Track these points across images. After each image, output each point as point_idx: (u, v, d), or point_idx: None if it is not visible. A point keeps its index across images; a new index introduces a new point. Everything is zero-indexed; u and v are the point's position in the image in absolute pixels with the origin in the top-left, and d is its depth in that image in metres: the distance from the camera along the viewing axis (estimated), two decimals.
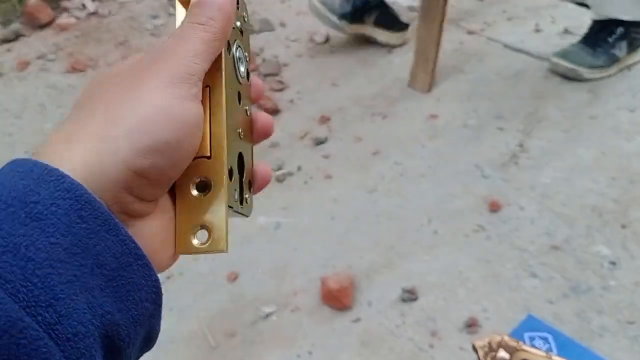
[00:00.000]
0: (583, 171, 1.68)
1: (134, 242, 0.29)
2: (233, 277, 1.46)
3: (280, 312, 1.37)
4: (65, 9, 2.64)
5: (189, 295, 1.40)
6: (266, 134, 0.45)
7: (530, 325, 1.24)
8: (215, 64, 0.37)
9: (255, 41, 2.46)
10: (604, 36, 2.01)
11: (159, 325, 0.33)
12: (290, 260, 1.48)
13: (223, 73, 0.38)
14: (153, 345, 0.33)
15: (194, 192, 0.35)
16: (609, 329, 1.27)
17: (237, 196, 0.39)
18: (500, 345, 1.17)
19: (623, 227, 1.50)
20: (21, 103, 2.15)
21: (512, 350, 1.15)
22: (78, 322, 0.26)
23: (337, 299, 1.36)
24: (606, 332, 1.27)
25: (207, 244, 0.34)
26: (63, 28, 2.53)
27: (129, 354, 0.29)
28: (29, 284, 0.24)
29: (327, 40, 2.40)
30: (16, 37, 2.50)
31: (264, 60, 2.29)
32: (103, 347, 0.27)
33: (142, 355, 0.33)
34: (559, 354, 1.15)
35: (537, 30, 2.35)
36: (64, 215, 0.27)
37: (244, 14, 0.45)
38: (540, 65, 2.14)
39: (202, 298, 1.41)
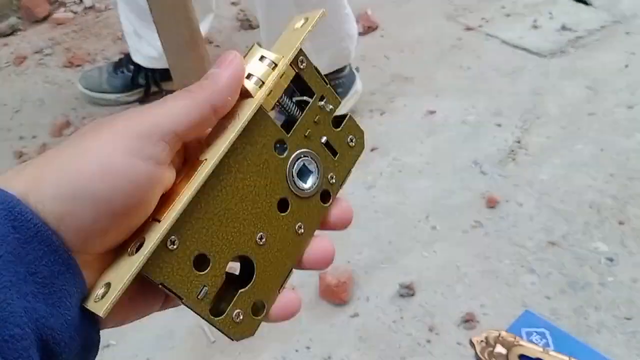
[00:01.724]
0: (581, 168, 1.68)
1: (65, 251, 0.30)
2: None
3: None
4: (62, 4, 2.63)
5: None
6: (320, 265, 0.43)
7: (527, 321, 1.24)
8: (220, 140, 0.35)
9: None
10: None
11: (97, 334, 0.33)
12: None
13: (221, 150, 0.35)
14: (95, 356, 0.34)
15: (129, 251, 0.34)
16: (606, 325, 1.28)
17: (202, 294, 0.36)
18: (498, 340, 1.17)
19: (621, 223, 1.50)
20: (20, 98, 2.14)
21: (509, 346, 1.16)
22: (15, 325, 0.26)
23: (335, 294, 1.36)
24: (603, 328, 1.27)
25: (91, 302, 0.32)
26: (60, 22, 2.52)
27: (65, 359, 0.30)
28: None
29: None
30: (13, 31, 2.49)
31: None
32: (39, 350, 0.28)
33: None
34: (556, 350, 1.15)
35: (536, 27, 2.35)
36: None
37: (351, 136, 0.44)
38: (539, 62, 2.14)
39: None
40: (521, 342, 1.13)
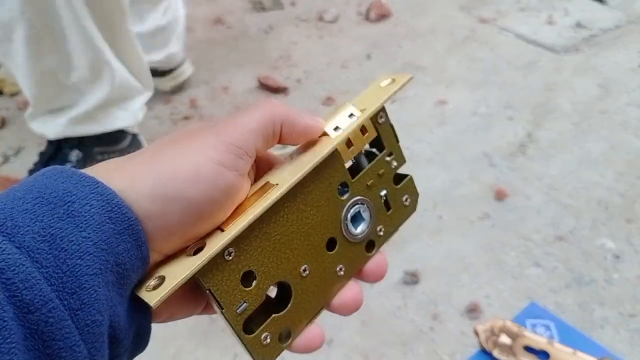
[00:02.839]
0: (591, 164, 1.67)
1: (147, 249, 0.32)
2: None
3: None
4: None
5: None
6: (347, 310, 0.44)
7: (532, 312, 1.24)
8: (292, 168, 0.38)
9: (264, 19, 2.43)
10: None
11: (148, 323, 0.36)
12: None
13: (294, 179, 0.37)
14: (145, 345, 0.37)
15: (188, 251, 0.35)
16: (610, 321, 1.27)
17: (241, 309, 0.38)
18: (502, 330, 1.17)
19: (628, 221, 1.50)
20: None
21: (514, 336, 1.15)
22: (96, 311, 0.29)
23: None
24: (607, 324, 1.27)
25: (144, 290, 0.34)
26: None
27: (124, 346, 0.33)
28: (60, 271, 0.28)
29: (336, 19, 2.38)
30: None
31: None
32: (109, 336, 0.31)
33: (135, 355, 0.36)
34: (561, 342, 1.15)
35: (550, 23, 2.34)
36: (96, 214, 0.30)
37: (407, 195, 0.47)
38: (552, 57, 2.12)
39: None
40: (526, 333, 1.12)
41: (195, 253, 0.35)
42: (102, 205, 0.30)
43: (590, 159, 1.69)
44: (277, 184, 0.36)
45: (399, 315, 1.31)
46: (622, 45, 2.19)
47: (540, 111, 1.88)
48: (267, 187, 0.37)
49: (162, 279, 0.34)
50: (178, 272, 0.33)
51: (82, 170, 0.32)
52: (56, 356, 0.27)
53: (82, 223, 0.29)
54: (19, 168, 1.75)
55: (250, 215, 0.35)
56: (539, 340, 1.12)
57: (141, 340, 0.36)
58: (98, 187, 0.31)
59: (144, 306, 0.34)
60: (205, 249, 0.34)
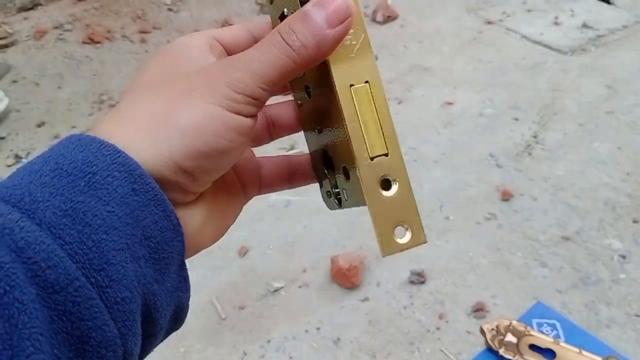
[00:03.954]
0: (598, 165, 1.67)
1: (176, 218, 0.30)
2: (243, 252, 1.46)
3: (289, 288, 1.38)
4: None
5: (200, 268, 1.41)
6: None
7: (538, 312, 1.24)
8: (364, 56, 0.33)
9: None
10: None
11: (187, 300, 0.34)
12: (299, 237, 1.49)
13: (377, 67, 0.34)
14: (182, 323, 0.34)
15: (384, 193, 0.33)
16: (616, 321, 1.28)
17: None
18: (508, 329, 1.17)
19: (635, 221, 1.50)
20: (38, 72, 2.15)
21: (520, 335, 1.16)
22: (126, 288, 0.27)
23: (346, 277, 1.37)
24: (613, 324, 1.27)
25: (410, 240, 0.33)
26: None
27: (160, 325, 0.31)
28: (85, 247, 0.26)
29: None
30: (33, 5, 2.50)
31: None
32: (142, 314, 0.29)
33: (171, 332, 0.34)
34: (567, 341, 1.15)
35: (557, 23, 2.34)
36: (119, 186, 0.28)
37: None
38: (559, 58, 2.12)
39: (213, 271, 1.42)
40: (532, 332, 1.13)
41: (385, 186, 0.33)
42: (125, 177, 0.28)
43: (597, 159, 1.69)
44: (367, 82, 0.33)
45: (405, 315, 1.32)
46: (629, 45, 2.20)
47: (546, 112, 1.88)
48: (364, 89, 0.33)
49: (402, 224, 0.32)
50: (408, 207, 0.33)
51: (99, 135, 0.30)
52: (85, 337, 0.25)
53: (105, 196, 0.27)
54: None
55: (392, 127, 0.33)
56: (544, 339, 1.12)
57: (178, 319, 0.34)
58: (119, 156, 0.29)
59: (184, 283, 0.32)
60: (395, 177, 0.33)
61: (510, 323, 1.19)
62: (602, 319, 1.28)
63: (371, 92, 0.33)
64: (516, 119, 1.86)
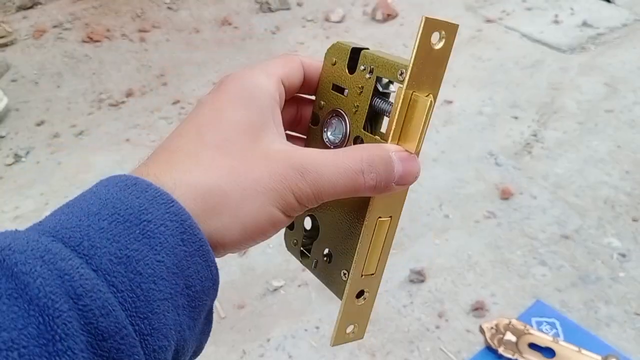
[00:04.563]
0: (597, 163, 1.67)
1: (216, 268, 0.31)
2: (243, 251, 1.47)
3: (288, 287, 1.38)
4: None
5: None
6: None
7: (538, 311, 1.24)
8: (401, 197, 0.36)
9: (271, 19, 2.45)
10: None
11: (205, 342, 0.35)
12: None
13: (403, 203, 0.37)
14: (196, 357, 0.36)
15: (356, 301, 0.38)
16: (615, 319, 1.28)
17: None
18: (508, 328, 1.18)
19: (635, 220, 1.50)
20: (37, 71, 2.15)
21: (519, 334, 1.16)
22: (164, 337, 0.28)
23: None
24: (613, 322, 1.27)
25: (353, 335, 0.39)
26: None
27: None
28: (134, 295, 0.27)
29: (343, 19, 2.39)
30: (33, 4, 2.50)
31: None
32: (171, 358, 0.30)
33: None
34: (566, 340, 1.15)
35: (556, 22, 2.34)
36: (171, 236, 0.29)
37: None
38: (558, 56, 2.12)
39: None
40: (531, 331, 1.13)
41: (358, 295, 0.38)
42: (176, 227, 0.29)
43: (596, 157, 1.69)
44: (391, 217, 0.36)
45: (405, 314, 1.32)
46: (629, 43, 2.19)
47: (546, 110, 1.88)
48: (385, 222, 0.37)
49: (354, 324, 0.39)
50: (364, 314, 0.39)
51: (154, 182, 0.31)
52: None
53: (157, 245, 0.29)
54: (30, 167, 1.77)
55: (387, 257, 0.38)
56: (544, 337, 1.12)
57: (194, 356, 0.35)
58: (173, 206, 0.30)
59: (209, 327, 0.34)
60: (369, 291, 0.39)
61: (510, 322, 1.19)
62: (601, 318, 1.28)
63: (389, 225, 0.36)
64: (515, 118, 1.86)
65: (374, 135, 0.36)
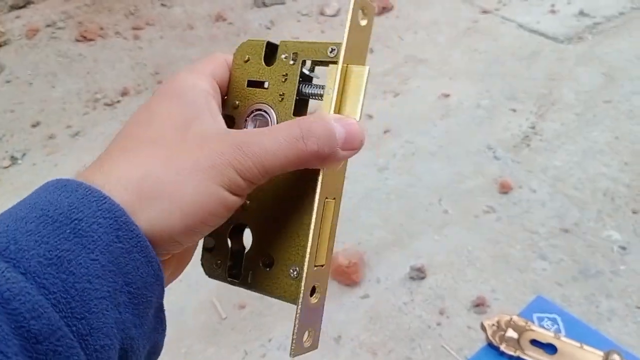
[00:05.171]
0: (596, 155, 1.67)
1: (158, 264, 0.31)
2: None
3: None
4: None
5: (200, 267, 1.41)
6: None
7: (539, 306, 1.24)
8: (341, 176, 0.36)
9: (266, 14, 2.43)
10: None
11: (162, 340, 0.34)
12: None
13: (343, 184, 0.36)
14: (157, 358, 0.36)
15: (312, 300, 0.35)
16: (617, 313, 1.28)
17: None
18: (509, 324, 1.17)
19: (635, 212, 1.49)
20: (32, 71, 2.13)
21: (520, 330, 1.16)
22: (105, 336, 0.28)
23: (346, 274, 1.36)
24: (614, 316, 1.27)
25: (310, 345, 0.36)
26: None
27: None
28: (68, 296, 0.26)
29: (338, 13, 2.37)
30: (25, 4, 2.48)
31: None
32: (118, 358, 0.29)
33: None
34: (568, 335, 1.15)
35: (553, 11, 2.32)
36: (104, 233, 0.28)
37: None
38: (555, 47, 2.11)
39: None
40: (533, 327, 1.13)
41: (312, 292, 0.35)
42: (110, 224, 0.29)
43: (595, 149, 1.69)
44: (334, 199, 0.36)
45: (406, 311, 1.32)
46: (626, 32, 2.18)
47: (543, 102, 1.87)
48: (331, 204, 0.36)
49: (311, 331, 0.35)
50: (319, 316, 0.36)
51: (85, 181, 0.30)
52: None
53: (90, 244, 0.28)
54: (27, 169, 1.76)
55: (332, 244, 0.36)
56: (545, 333, 1.12)
57: (153, 357, 0.35)
58: (105, 203, 0.29)
59: (161, 324, 0.33)
60: (322, 286, 0.35)
61: (511, 318, 1.19)
62: (602, 312, 1.28)
63: (334, 209, 0.36)
64: (514, 110, 1.85)
65: None
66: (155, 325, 0.32)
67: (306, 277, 0.34)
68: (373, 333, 1.28)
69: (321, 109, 0.34)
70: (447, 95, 1.92)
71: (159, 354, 0.35)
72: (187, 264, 0.40)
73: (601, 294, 1.31)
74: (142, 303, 0.30)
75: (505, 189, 1.57)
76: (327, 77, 0.35)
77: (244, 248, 0.39)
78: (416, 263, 1.40)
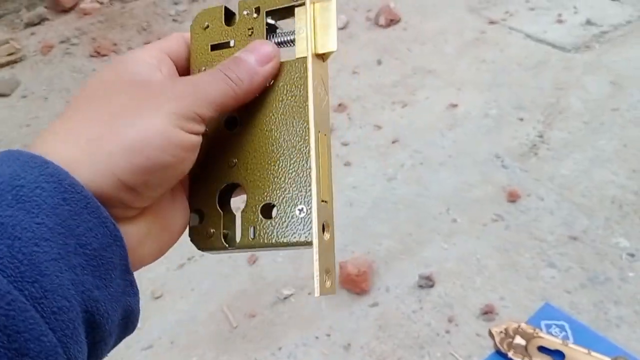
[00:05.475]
0: (603, 163, 1.67)
1: (113, 223, 0.30)
2: (253, 260, 1.48)
3: (298, 295, 1.40)
4: None
5: (211, 276, 1.43)
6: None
7: (547, 314, 1.25)
8: (326, 111, 0.37)
9: None
10: None
11: (136, 304, 0.33)
12: None
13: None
14: (134, 327, 0.35)
15: (325, 237, 0.35)
16: (625, 320, 1.28)
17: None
18: (517, 332, 1.18)
19: None
20: (46, 86, 2.18)
21: (528, 337, 1.16)
22: (62, 297, 0.27)
23: (355, 283, 1.38)
24: (623, 323, 1.27)
25: (330, 287, 0.34)
26: (86, 13, 2.56)
27: (108, 330, 0.31)
28: (16, 260, 0.26)
29: (346, 25, 2.40)
30: (40, 21, 2.54)
31: None
32: (84, 321, 0.29)
33: (125, 336, 0.35)
34: (576, 343, 1.16)
35: (560, 21, 2.34)
36: (48, 197, 0.28)
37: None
38: (562, 56, 2.12)
39: (223, 279, 1.43)
40: (541, 334, 1.14)
41: (323, 229, 0.34)
42: (54, 187, 0.28)
43: (603, 157, 1.69)
44: (325, 135, 0.36)
45: (414, 319, 1.33)
46: (634, 40, 2.19)
47: (551, 111, 1.88)
48: (324, 139, 0.36)
49: (328, 271, 0.34)
50: (332, 255, 0.34)
51: (31, 150, 0.30)
52: (23, 349, 0.26)
53: (33, 209, 0.27)
54: None
55: (331, 179, 0.36)
56: (553, 340, 1.13)
57: (129, 322, 0.34)
58: (48, 167, 0.29)
59: (131, 287, 0.32)
60: (330, 223, 0.35)
61: (519, 325, 1.20)
62: (611, 319, 1.28)
63: (327, 144, 0.36)
64: (521, 119, 1.86)
65: None
66: (125, 288, 0.32)
67: (318, 212, 0.34)
68: (382, 341, 1.29)
69: (298, 48, 0.37)
70: (454, 106, 1.94)
71: (135, 320, 0.34)
72: (172, 241, 0.38)
73: (610, 301, 1.31)
74: (102, 265, 0.30)
75: (513, 198, 1.58)
76: (296, 20, 0.37)
77: (234, 214, 0.38)
78: (425, 271, 1.41)
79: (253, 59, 0.36)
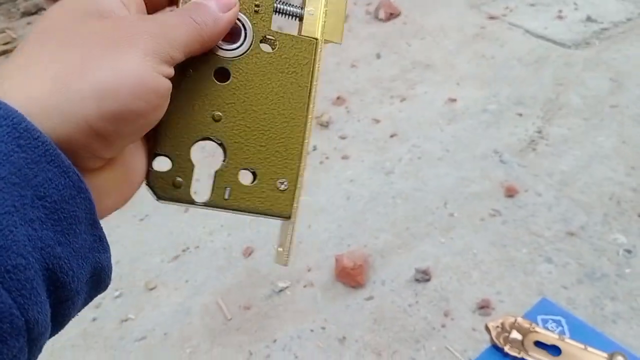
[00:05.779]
0: (602, 159, 1.66)
1: (76, 173, 0.27)
2: (248, 252, 1.47)
3: (294, 287, 1.39)
4: None
5: (206, 268, 1.42)
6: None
7: (543, 308, 1.24)
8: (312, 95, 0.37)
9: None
10: None
11: (106, 260, 0.31)
12: (304, 237, 1.49)
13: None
14: (105, 285, 0.32)
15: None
16: (622, 316, 1.27)
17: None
18: (513, 326, 1.17)
19: None
20: None
21: (525, 332, 1.16)
22: (17, 254, 0.25)
23: (351, 276, 1.37)
24: (619, 319, 1.27)
25: (286, 257, 0.37)
26: None
27: (74, 289, 0.28)
28: None
29: (345, 19, 2.39)
30: (37, 10, 2.52)
31: None
32: (45, 280, 0.27)
33: (96, 295, 0.32)
34: (572, 338, 1.15)
35: (560, 17, 2.33)
36: (2, 143, 0.25)
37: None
38: (562, 52, 2.11)
39: (218, 271, 1.42)
40: (537, 329, 1.13)
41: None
42: (8, 132, 0.25)
43: (602, 154, 1.69)
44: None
45: (410, 313, 1.32)
46: (634, 37, 2.18)
47: (550, 107, 1.87)
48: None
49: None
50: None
51: None
52: None
53: None
54: None
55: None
56: (549, 335, 1.12)
57: (100, 281, 0.31)
58: (0, 109, 0.25)
59: (100, 242, 0.30)
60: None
61: (515, 320, 1.19)
62: (607, 314, 1.28)
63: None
64: (520, 115, 1.85)
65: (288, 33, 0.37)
66: (92, 243, 0.29)
67: (299, 189, 0.35)
68: (378, 334, 1.29)
69: (304, 26, 0.37)
70: (453, 100, 1.93)
71: (107, 277, 0.32)
72: (133, 191, 0.35)
73: (606, 297, 1.31)
74: (64, 219, 0.27)
75: (511, 193, 1.58)
76: (309, 2, 0.37)
77: (207, 168, 0.38)
78: (421, 265, 1.41)
79: (214, 4, 0.34)
